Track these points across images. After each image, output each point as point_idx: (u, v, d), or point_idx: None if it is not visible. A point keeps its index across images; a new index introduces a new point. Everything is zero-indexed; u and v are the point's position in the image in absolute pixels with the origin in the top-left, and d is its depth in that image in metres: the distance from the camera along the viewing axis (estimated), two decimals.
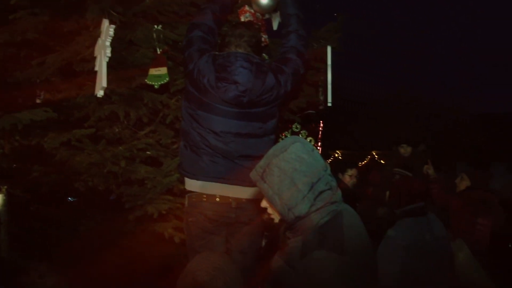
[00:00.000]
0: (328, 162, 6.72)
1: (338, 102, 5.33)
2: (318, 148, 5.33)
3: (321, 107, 5.10)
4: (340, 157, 20.74)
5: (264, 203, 2.34)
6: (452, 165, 9.22)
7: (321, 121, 5.07)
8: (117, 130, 4.11)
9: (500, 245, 5.29)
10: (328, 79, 4.76)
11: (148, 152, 4.04)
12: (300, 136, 5.03)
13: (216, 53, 3.50)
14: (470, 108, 24.79)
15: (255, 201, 3.64)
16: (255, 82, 3.39)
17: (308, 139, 5.17)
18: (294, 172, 2.16)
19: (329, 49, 4.52)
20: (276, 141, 3.62)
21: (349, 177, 6.33)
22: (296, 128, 4.99)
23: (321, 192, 2.17)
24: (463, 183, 5.44)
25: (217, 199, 3.48)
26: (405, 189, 3.98)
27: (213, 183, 3.46)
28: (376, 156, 23.04)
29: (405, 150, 6.96)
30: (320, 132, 5.40)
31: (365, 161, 23.03)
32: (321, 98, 4.98)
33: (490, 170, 5.79)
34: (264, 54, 3.92)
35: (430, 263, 3.66)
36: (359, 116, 22.42)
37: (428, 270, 3.65)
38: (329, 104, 4.78)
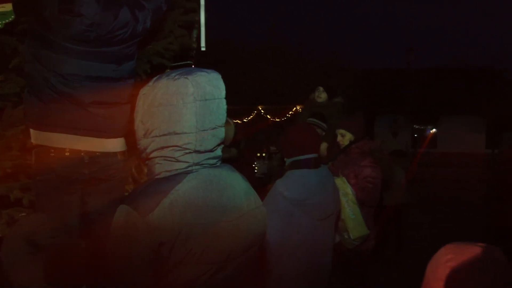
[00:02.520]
0: None
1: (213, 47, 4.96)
2: None
3: (193, 52, 4.74)
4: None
5: None
6: None
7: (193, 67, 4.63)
8: None
9: None
10: (201, 20, 4.39)
11: None
12: None
13: None
14: (354, 65, 25.45)
15: (113, 154, 3.24)
16: (103, 15, 2.92)
17: None
18: (162, 107, 1.84)
19: None
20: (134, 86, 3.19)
21: None
22: None
23: (172, 146, 1.84)
24: (346, 139, 5.08)
25: (67, 153, 3.00)
26: (296, 137, 3.56)
27: (62, 135, 2.98)
28: (262, 111, 23.21)
29: (319, 94, 6.18)
30: None
31: (251, 116, 23.18)
32: (194, 41, 4.61)
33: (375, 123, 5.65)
34: None
35: (317, 219, 3.39)
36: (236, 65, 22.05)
37: (314, 226, 3.38)
38: (203, 49, 4.43)
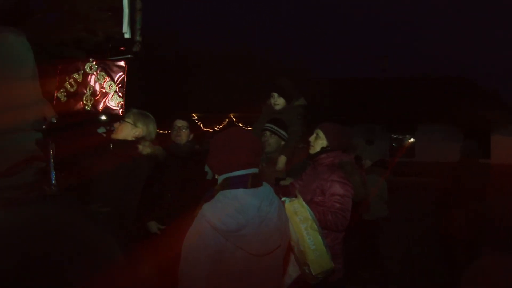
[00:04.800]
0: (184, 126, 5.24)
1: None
2: (120, 103, 4.05)
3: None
4: (196, 121, 19.83)
5: None
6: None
7: (123, 62, 3.88)
8: None
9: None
10: (124, 2, 3.63)
11: None
12: (97, 81, 3.90)
13: None
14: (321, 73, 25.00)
15: None
16: None
17: (108, 84, 3.94)
18: None
19: None
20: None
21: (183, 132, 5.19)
22: (90, 69, 3.84)
23: None
24: (318, 143, 4.25)
25: None
26: (226, 146, 2.71)
27: None
28: (234, 119, 22.40)
29: (275, 101, 5.23)
30: (122, 78, 4.00)
31: (223, 124, 22.34)
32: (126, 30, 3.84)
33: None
34: None
35: (256, 255, 2.56)
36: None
37: (253, 264, 2.57)
38: (127, 36, 3.68)
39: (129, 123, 3.92)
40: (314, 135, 4.29)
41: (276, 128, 4.94)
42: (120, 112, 3.98)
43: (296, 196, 3.68)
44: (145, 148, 3.89)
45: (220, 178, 2.71)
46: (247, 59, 22.01)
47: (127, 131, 3.90)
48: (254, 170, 2.70)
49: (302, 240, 3.36)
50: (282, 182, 4.54)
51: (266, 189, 2.73)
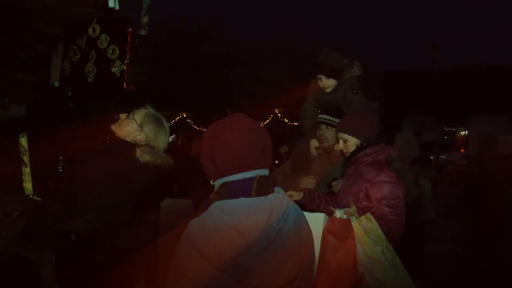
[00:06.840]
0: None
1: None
2: (124, 72, 3.27)
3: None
4: None
5: None
6: None
7: (129, 19, 3.34)
8: None
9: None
10: None
11: None
12: (100, 46, 3.28)
13: None
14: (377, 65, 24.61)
15: None
16: None
17: (111, 48, 3.25)
18: None
19: None
20: None
21: None
22: (94, 31, 3.29)
23: None
24: (350, 145, 3.68)
25: None
26: (224, 140, 2.02)
27: None
28: (279, 115, 22.10)
29: (324, 84, 4.46)
30: (127, 39, 3.26)
31: (268, 120, 22.05)
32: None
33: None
34: None
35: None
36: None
37: None
38: (111, 4, 3.32)
39: (135, 122, 3.21)
40: (341, 141, 3.68)
41: (331, 119, 4.35)
42: (124, 84, 3.23)
43: (349, 206, 3.10)
44: (143, 155, 3.19)
45: (217, 184, 2.05)
46: (291, 51, 21.69)
47: (129, 130, 3.20)
48: (261, 172, 2.02)
49: (380, 268, 2.64)
50: (334, 184, 4.00)
51: (278, 197, 2.02)
